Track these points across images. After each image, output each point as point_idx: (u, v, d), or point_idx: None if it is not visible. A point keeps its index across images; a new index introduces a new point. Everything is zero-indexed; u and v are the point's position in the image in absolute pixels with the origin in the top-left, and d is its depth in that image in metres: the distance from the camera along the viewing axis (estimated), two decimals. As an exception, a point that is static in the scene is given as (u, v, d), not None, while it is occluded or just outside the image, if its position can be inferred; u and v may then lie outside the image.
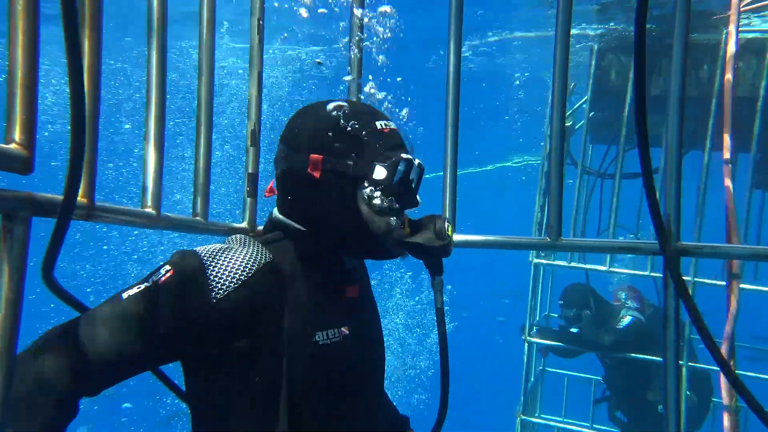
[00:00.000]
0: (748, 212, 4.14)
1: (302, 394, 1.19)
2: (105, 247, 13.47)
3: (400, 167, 1.23)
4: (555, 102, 1.68)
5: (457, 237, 1.79)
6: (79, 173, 0.90)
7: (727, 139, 2.74)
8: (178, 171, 11.06)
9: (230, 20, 7.65)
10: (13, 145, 0.84)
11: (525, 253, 5.00)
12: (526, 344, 4.79)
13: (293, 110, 1.37)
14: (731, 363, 2.62)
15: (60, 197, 0.94)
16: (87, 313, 1.11)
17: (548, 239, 1.70)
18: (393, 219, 1.26)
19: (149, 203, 1.38)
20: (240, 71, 9.91)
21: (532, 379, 5.06)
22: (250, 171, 1.87)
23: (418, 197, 1.33)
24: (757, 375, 4.22)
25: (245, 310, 1.14)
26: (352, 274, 1.37)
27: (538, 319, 5.34)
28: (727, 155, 2.76)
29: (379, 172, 1.21)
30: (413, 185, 1.30)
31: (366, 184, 1.22)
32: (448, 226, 1.31)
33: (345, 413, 1.27)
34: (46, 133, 11.20)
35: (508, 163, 16.56)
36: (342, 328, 1.27)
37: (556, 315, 5.42)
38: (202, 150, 1.69)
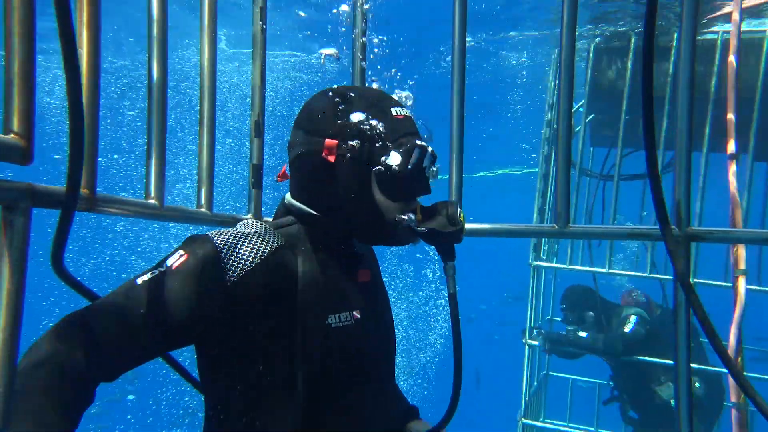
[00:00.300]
0: (750, 189, 4.07)
1: (316, 378, 1.19)
2: (110, 236, 13.57)
3: (415, 154, 1.23)
4: (562, 85, 1.65)
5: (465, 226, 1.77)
6: (80, 161, 0.89)
7: (731, 130, 2.70)
8: (180, 164, 11.12)
9: (227, 27, 7.63)
10: (11, 136, 0.83)
11: (525, 255, 5.00)
12: (527, 347, 4.77)
13: (293, 105, 1.37)
14: (738, 360, 2.58)
15: (60, 188, 0.93)
16: (101, 299, 1.11)
17: (556, 226, 1.68)
18: (406, 205, 1.26)
19: (152, 194, 1.37)
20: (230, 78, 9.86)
21: (535, 383, 5.04)
22: (254, 162, 1.86)
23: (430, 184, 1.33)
24: (758, 376, 4.18)
25: (259, 294, 1.15)
26: (363, 259, 1.38)
27: (540, 322, 5.29)
28: (731, 149, 2.72)
29: (394, 158, 1.22)
30: (426, 172, 1.30)
31: (380, 170, 1.22)
32: (459, 211, 1.31)
33: (356, 398, 1.27)
34: (48, 127, 11.25)
35: (505, 171, 16.50)
36: (354, 312, 1.28)
37: (558, 319, 5.37)
38: (205, 141, 1.69)
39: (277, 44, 8.29)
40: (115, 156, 12.41)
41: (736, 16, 2.77)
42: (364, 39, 1.97)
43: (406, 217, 1.25)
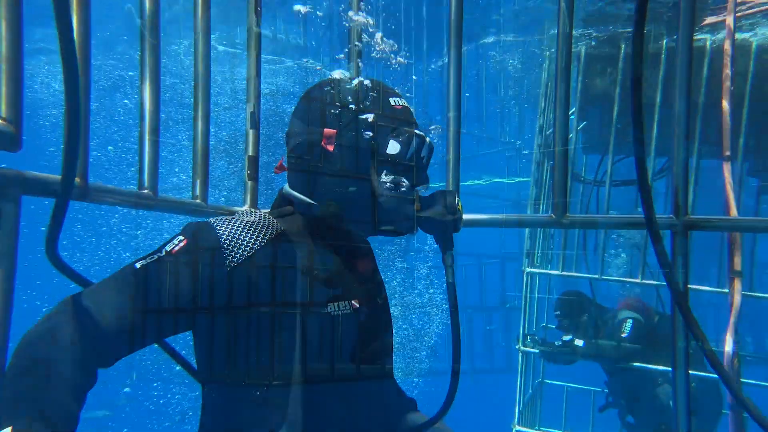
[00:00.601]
0: (741, 192, 4.06)
1: (315, 366, 1.19)
2: (105, 229, 13.52)
3: (413, 143, 1.23)
4: (558, 77, 1.64)
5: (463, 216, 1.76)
6: (76, 145, 0.87)
7: (726, 135, 2.68)
8: (174, 160, 11.08)
9: (220, 25, 7.58)
10: (-1, 121, 0.81)
11: (519, 262, 4.97)
12: (521, 355, 4.73)
13: (288, 103, 1.36)
14: (735, 361, 2.56)
15: (51, 176, 0.91)
16: (99, 282, 1.09)
17: (553, 216, 1.67)
18: (404, 194, 1.26)
19: (146, 184, 1.36)
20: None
21: (530, 390, 5.01)
22: (250, 154, 1.84)
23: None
24: (752, 381, 4.17)
25: (257, 281, 1.14)
26: (362, 250, 1.37)
27: (534, 329, 5.25)
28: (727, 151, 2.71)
29: (393, 148, 1.22)
30: (424, 162, 1.30)
31: (379, 159, 1.22)
32: (457, 200, 1.31)
33: (354, 388, 1.27)
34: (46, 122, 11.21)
35: (497, 179, 16.41)
36: (353, 301, 1.27)
37: (553, 326, 5.33)
38: (200, 132, 1.67)
39: (274, 48, 8.27)
40: (110, 148, 12.36)
41: (729, 21, 2.76)
42: (359, 8, 1.93)
43: (405, 207, 1.24)
